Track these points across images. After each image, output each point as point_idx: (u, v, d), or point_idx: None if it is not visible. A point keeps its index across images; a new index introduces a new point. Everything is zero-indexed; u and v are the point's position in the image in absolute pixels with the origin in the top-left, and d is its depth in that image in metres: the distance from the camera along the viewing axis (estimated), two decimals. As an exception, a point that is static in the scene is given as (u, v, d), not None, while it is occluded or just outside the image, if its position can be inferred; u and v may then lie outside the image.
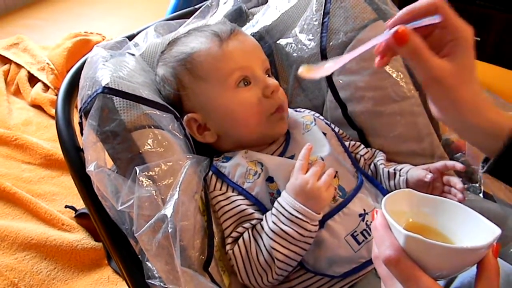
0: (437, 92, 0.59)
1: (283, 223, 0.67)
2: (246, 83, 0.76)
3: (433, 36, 0.60)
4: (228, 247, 0.71)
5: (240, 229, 0.71)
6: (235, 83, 0.76)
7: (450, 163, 0.73)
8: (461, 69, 0.57)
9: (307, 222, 0.67)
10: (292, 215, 0.67)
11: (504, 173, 0.61)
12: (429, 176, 0.73)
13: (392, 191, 0.54)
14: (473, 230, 0.48)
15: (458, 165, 0.71)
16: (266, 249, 0.68)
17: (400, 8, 0.87)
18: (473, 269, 0.47)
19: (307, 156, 0.72)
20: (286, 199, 0.69)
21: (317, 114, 0.87)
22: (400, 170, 0.79)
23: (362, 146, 0.85)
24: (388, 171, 0.80)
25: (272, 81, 0.78)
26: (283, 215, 0.67)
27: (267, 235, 0.68)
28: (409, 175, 0.77)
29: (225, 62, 0.75)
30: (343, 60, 0.62)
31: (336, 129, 0.85)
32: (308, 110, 0.88)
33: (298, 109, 0.88)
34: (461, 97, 0.58)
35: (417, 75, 0.59)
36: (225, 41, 0.76)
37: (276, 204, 0.70)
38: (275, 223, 0.68)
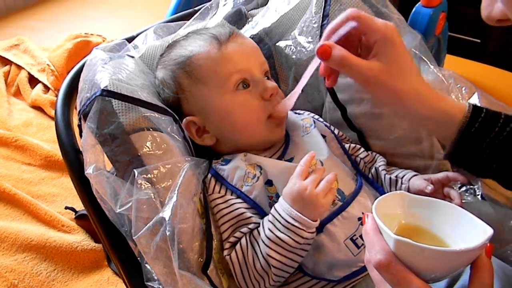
0: (374, 91, 0.62)
1: (279, 230, 0.67)
2: (245, 86, 0.76)
3: (361, 44, 0.65)
4: (225, 252, 0.71)
5: (237, 234, 0.71)
6: (234, 86, 0.75)
7: (452, 174, 0.72)
8: (390, 64, 0.60)
9: (303, 230, 0.66)
10: (288, 222, 0.66)
11: (462, 159, 0.63)
12: (429, 188, 0.73)
13: None
14: (466, 230, 0.48)
15: (460, 177, 0.70)
16: (263, 256, 0.68)
17: (399, 10, 0.88)
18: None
19: (308, 163, 0.71)
20: (282, 206, 0.68)
21: (317, 117, 0.87)
22: (402, 177, 0.79)
23: (362, 149, 0.84)
24: (390, 178, 0.79)
25: (271, 83, 0.78)
26: (280, 222, 0.67)
27: (263, 242, 0.68)
28: (410, 184, 0.77)
29: (224, 65, 0.75)
30: (295, 94, 0.72)
31: (336, 131, 0.84)
32: (308, 112, 0.88)
33: (297, 111, 0.88)
34: (398, 90, 0.61)
35: (355, 82, 0.63)
36: (224, 44, 0.76)
37: (272, 210, 0.69)
38: (271, 230, 0.67)
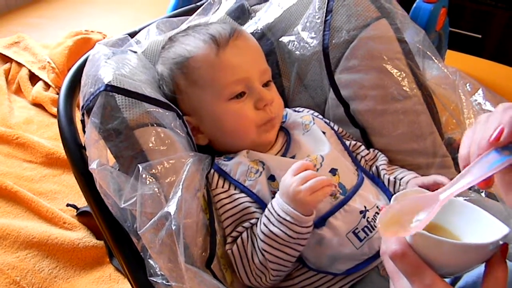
0: None
1: (272, 225, 0.67)
2: (240, 94, 0.76)
3: None
4: (227, 246, 0.71)
5: (240, 229, 0.71)
6: (229, 96, 0.75)
7: (440, 179, 0.72)
8: None
9: (295, 225, 0.66)
10: (281, 216, 0.67)
11: None
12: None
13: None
14: (482, 229, 0.48)
15: (447, 180, 0.69)
16: (260, 250, 0.68)
17: (402, 5, 0.88)
18: (479, 268, 0.47)
19: (306, 165, 0.70)
20: (277, 200, 0.68)
21: (316, 113, 0.87)
22: (401, 179, 0.79)
23: (363, 147, 0.84)
24: (389, 179, 0.80)
25: (267, 94, 0.77)
26: (273, 216, 0.67)
27: (259, 236, 0.68)
28: (408, 187, 0.77)
29: (221, 72, 0.74)
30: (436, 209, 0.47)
31: (336, 128, 0.85)
32: (307, 110, 0.88)
33: (297, 109, 0.88)
34: None
35: None
36: (223, 48, 0.75)
37: (269, 205, 0.70)
38: (265, 225, 0.68)
